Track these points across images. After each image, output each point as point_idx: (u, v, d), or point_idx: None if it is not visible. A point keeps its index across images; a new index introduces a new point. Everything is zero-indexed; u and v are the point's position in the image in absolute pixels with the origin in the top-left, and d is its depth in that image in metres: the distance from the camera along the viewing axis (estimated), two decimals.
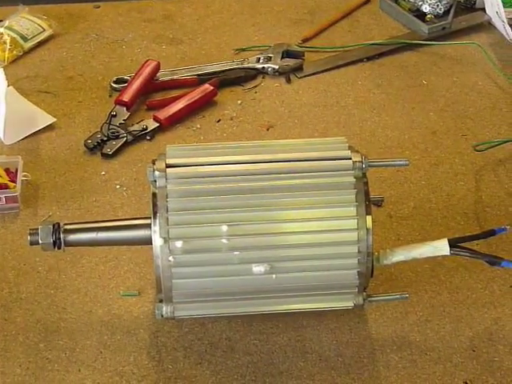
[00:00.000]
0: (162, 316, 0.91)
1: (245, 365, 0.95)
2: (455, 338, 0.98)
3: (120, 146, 1.22)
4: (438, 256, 0.89)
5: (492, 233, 0.90)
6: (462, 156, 1.22)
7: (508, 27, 1.43)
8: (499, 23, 1.46)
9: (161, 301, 0.91)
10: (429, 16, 1.46)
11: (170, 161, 0.90)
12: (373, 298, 0.94)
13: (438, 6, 1.46)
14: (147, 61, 1.35)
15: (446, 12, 1.47)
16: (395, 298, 0.96)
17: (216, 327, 0.98)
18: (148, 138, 1.25)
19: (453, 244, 0.88)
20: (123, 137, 1.24)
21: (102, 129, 1.24)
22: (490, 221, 1.12)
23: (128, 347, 0.96)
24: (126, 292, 1.02)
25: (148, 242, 0.89)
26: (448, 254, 0.88)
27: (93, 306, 1.01)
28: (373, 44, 1.44)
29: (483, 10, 1.50)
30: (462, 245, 0.89)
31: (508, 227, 0.90)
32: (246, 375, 0.94)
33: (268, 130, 1.27)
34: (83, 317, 0.99)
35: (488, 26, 1.49)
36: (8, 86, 1.26)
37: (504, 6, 1.43)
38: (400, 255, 0.91)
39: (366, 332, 0.98)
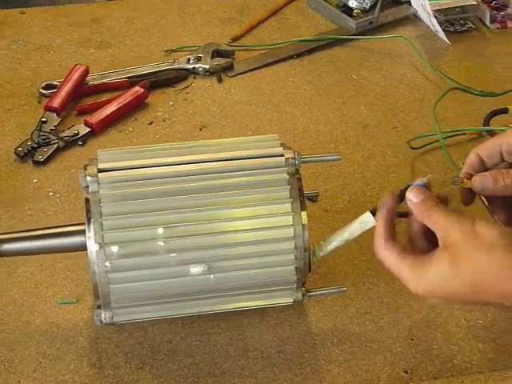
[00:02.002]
0: (101, 322, 0.90)
1: (187, 367, 0.94)
2: (394, 328, 0.99)
3: (52, 153, 1.21)
4: (368, 230, 0.88)
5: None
6: (394, 148, 1.24)
7: (433, 19, 1.45)
8: (425, 15, 1.48)
9: (99, 307, 0.90)
10: (356, 11, 1.48)
11: (101, 165, 0.90)
12: (312, 293, 0.95)
13: (364, 1, 1.48)
14: (76, 65, 1.33)
15: (373, 6, 1.49)
16: (333, 291, 0.97)
17: (157, 330, 0.98)
18: (80, 143, 1.23)
19: (375, 213, 0.88)
20: (54, 143, 1.22)
21: (32, 136, 1.23)
22: None
23: (68, 355, 0.95)
24: (64, 300, 1.01)
25: (83, 248, 0.88)
26: (374, 224, 0.87)
27: (30, 315, 0.99)
28: (302, 41, 1.45)
29: (408, 3, 1.52)
30: None
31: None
32: (188, 377, 0.93)
33: (201, 130, 1.27)
34: (21, 327, 0.98)
35: (414, 18, 1.51)
36: None
37: None
38: (333, 242, 0.91)
39: (306, 327, 0.99)
